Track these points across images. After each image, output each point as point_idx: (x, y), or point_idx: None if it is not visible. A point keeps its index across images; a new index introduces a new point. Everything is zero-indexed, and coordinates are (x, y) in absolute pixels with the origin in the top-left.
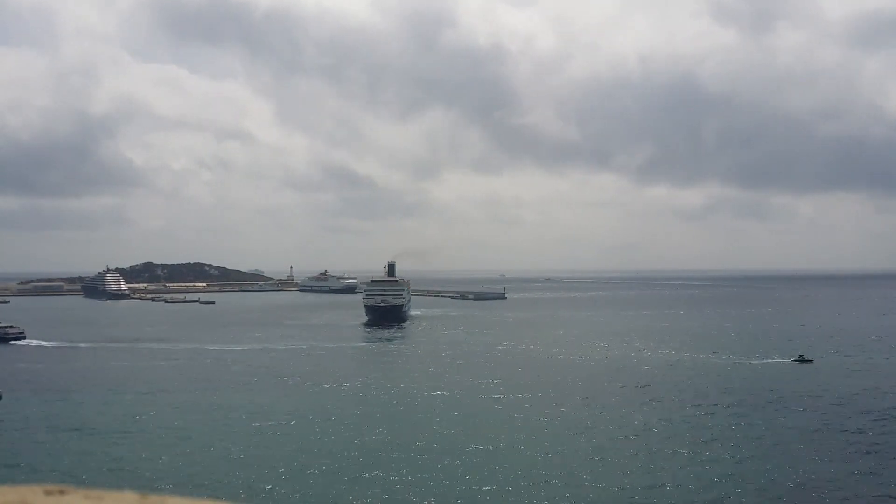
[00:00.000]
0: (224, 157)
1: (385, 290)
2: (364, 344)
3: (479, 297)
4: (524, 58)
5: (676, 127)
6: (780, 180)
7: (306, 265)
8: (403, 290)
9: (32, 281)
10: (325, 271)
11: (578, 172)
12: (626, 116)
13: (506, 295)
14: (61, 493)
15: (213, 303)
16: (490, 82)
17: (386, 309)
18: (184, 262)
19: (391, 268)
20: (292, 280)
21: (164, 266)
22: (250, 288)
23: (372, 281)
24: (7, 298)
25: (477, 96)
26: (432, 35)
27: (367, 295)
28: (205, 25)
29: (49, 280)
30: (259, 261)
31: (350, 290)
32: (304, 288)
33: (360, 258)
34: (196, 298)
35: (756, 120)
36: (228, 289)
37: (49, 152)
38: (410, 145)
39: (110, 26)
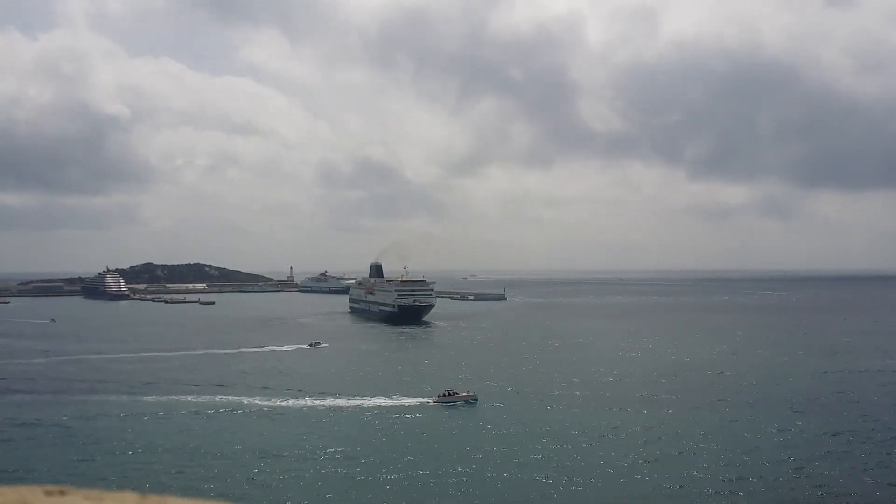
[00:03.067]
0: (240, 153)
1: (415, 291)
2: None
3: (480, 297)
4: (579, 45)
5: (737, 118)
6: (835, 177)
7: (314, 265)
8: (433, 290)
9: (33, 281)
10: (325, 272)
11: (629, 166)
12: (688, 107)
13: (506, 296)
14: (61, 493)
15: (213, 303)
16: (542, 71)
17: (418, 308)
18: (184, 263)
19: (378, 268)
20: (292, 280)
21: (164, 267)
22: (250, 289)
23: (402, 281)
24: (7, 299)
25: (528, 86)
26: (481, 21)
27: (399, 295)
28: (235, 9)
29: (49, 280)
30: (263, 261)
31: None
32: (304, 288)
33: (364, 258)
34: (196, 299)
35: (818, 110)
36: (228, 289)
37: (59, 148)
38: (453, 139)
39: (128, 15)
